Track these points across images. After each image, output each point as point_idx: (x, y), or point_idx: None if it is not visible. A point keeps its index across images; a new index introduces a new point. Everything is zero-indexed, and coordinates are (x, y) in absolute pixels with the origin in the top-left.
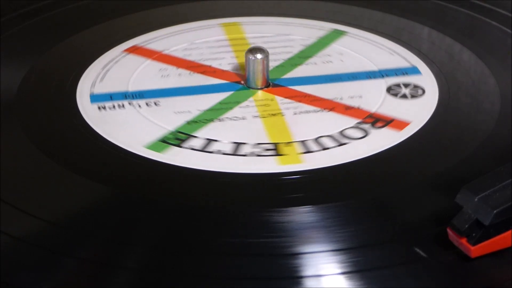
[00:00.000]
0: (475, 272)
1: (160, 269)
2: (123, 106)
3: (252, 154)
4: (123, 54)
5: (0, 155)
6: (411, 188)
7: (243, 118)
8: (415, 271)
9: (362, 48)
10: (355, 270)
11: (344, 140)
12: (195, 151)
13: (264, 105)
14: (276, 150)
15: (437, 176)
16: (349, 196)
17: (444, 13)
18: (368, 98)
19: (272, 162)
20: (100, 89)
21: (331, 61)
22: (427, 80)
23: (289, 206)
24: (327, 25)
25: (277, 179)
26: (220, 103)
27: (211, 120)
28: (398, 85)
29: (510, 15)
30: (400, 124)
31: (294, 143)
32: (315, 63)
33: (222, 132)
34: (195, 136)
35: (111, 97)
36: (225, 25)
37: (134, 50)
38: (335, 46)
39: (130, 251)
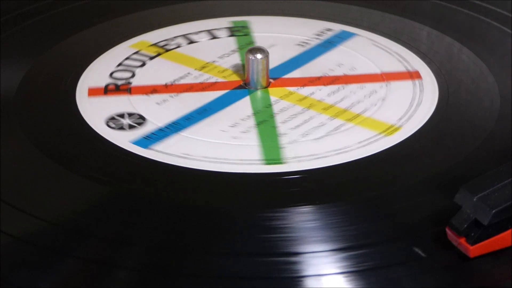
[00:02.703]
0: (473, 272)
1: (160, 269)
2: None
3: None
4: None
5: (0, 155)
6: (411, 188)
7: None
8: (414, 271)
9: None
10: (355, 270)
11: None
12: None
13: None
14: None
15: (437, 176)
16: (349, 196)
17: (444, 13)
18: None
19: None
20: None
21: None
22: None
23: (289, 206)
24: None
25: (276, 179)
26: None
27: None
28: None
29: (510, 15)
30: None
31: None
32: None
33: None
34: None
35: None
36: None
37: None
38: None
39: (130, 251)
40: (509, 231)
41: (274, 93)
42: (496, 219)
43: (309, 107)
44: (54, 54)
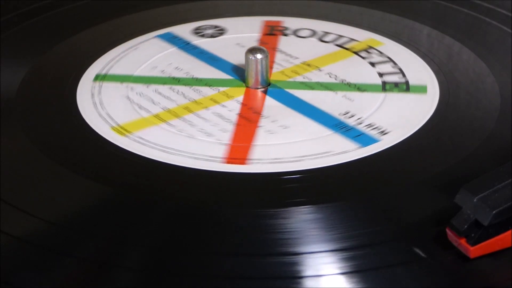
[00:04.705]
0: (474, 273)
1: (160, 269)
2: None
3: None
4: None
5: (0, 155)
6: (411, 188)
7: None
8: (414, 271)
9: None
10: (355, 270)
11: None
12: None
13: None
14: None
15: (437, 176)
16: (349, 196)
17: (444, 13)
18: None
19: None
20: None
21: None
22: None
23: (289, 206)
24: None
25: (276, 179)
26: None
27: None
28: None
29: (510, 15)
30: None
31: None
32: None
33: None
34: None
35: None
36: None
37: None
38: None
39: (130, 251)
40: (509, 232)
41: (231, 91)
42: (497, 220)
43: (203, 106)
44: (55, 54)
